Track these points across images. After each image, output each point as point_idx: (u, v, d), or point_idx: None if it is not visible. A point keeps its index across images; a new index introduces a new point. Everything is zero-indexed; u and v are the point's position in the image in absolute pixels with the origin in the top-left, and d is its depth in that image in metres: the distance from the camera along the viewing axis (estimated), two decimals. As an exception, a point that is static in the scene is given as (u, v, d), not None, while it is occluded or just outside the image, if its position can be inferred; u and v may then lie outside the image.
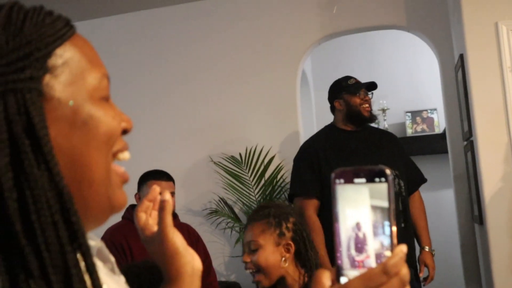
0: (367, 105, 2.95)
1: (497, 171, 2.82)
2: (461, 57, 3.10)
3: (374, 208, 0.62)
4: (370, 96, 3.02)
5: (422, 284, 2.98)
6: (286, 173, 3.59)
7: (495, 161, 2.82)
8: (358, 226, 0.63)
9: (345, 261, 0.62)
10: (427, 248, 3.00)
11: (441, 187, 3.42)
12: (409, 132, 4.83)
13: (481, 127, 2.88)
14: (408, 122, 4.87)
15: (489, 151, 2.85)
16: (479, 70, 2.91)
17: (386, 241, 0.62)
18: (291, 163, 3.16)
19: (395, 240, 0.61)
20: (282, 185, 3.63)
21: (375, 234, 0.62)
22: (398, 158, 2.99)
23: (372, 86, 3.02)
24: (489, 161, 2.84)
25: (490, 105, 2.86)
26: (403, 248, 0.61)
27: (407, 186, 2.98)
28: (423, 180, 3.15)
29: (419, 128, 4.83)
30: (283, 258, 1.73)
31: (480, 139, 2.88)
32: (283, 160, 3.66)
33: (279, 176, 3.64)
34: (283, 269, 1.73)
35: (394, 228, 0.61)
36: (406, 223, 2.92)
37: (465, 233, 3.43)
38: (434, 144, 4.42)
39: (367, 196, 0.62)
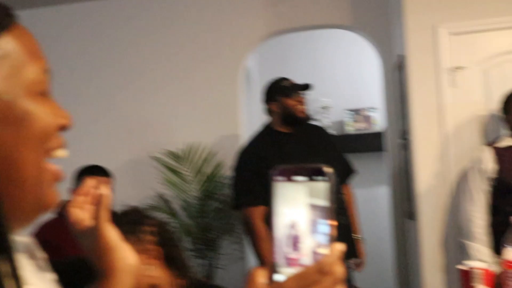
0: (302, 106, 2.93)
1: (430, 169, 2.91)
2: (401, 58, 3.17)
3: (313, 206, 0.61)
4: (305, 97, 2.99)
5: (354, 269, 3.04)
6: (226, 170, 3.58)
7: (429, 159, 2.91)
8: (294, 224, 0.62)
9: (280, 259, 0.62)
10: (358, 236, 3.07)
11: (377, 184, 3.51)
12: (349, 129, 4.92)
13: (417, 126, 2.96)
14: (348, 120, 4.95)
15: (423, 149, 2.93)
16: (418, 71, 2.99)
17: (323, 239, 0.61)
18: (232, 160, 3.13)
19: (332, 239, 0.61)
20: (222, 181, 3.62)
21: (312, 232, 0.61)
22: (332, 153, 3.03)
23: (307, 87, 3.01)
24: (423, 159, 2.93)
25: (426, 106, 2.95)
26: (340, 247, 0.60)
27: (340, 179, 3.03)
28: (353, 172, 3.19)
29: (358, 126, 4.92)
30: (149, 266, 1.51)
31: (415, 138, 2.96)
32: (224, 156, 3.65)
33: (218, 173, 3.63)
34: (150, 278, 1.51)
35: (333, 226, 0.61)
36: (347, 219, 2.97)
37: (397, 228, 3.52)
38: (373, 142, 4.52)
39: (306, 194, 0.62)
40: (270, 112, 3.01)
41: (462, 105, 2.91)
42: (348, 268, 2.97)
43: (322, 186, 0.61)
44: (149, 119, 3.91)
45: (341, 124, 4.94)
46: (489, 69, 2.93)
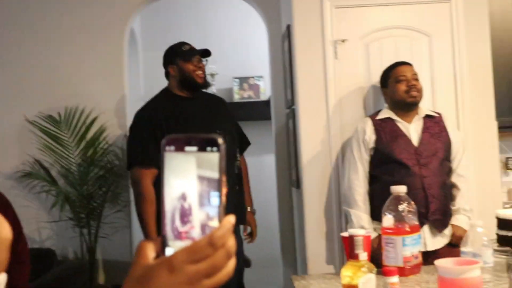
0: (200, 72, 2.96)
1: (315, 138, 3.00)
2: (288, 28, 3.21)
3: (204, 177, 0.59)
4: (204, 62, 3.02)
5: (246, 241, 3.11)
6: (110, 135, 3.46)
7: (314, 129, 3.00)
8: (184, 196, 0.60)
9: (169, 232, 0.60)
10: (249, 208, 3.15)
11: (264, 153, 3.57)
12: (236, 97, 4.94)
13: (303, 96, 3.03)
14: (235, 88, 4.97)
15: (309, 119, 3.01)
16: (304, 42, 3.04)
17: (213, 212, 0.60)
18: (115, 124, 3.04)
19: (223, 211, 0.60)
20: (105, 147, 3.50)
21: (202, 204, 0.60)
22: (230, 123, 3.08)
23: (206, 53, 3.02)
24: (308, 129, 3.01)
25: (312, 77, 3.02)
26: (230, 219, 0.59)
27: (236, 150, 3.08)
28: (248, 143, 3.26)
29: (245, 94, 4.96)
30: None
31: (301, 108, 3.03)
32: (107, 121, 3.51)
33: (101, 138, 3.49)
34: None
35: (223, 199, 0.59)
36: (239, 186, 3.02)
37: (283, 196, 3.62)
38: (259, 111, 4.58)
39: (197, 165, 0.60)
40: (169, 75, 3.01)
41: (345, 77, 3.01)
42: (240, 239, 3.03)
43: (213, 157, 0.59)
44: (31, 81, 3.66)
45: (228, 92, 4.94)
46: (370, 43, 3.05)
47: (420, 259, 2.00)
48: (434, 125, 2.66)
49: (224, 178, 0.59)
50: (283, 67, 3.58)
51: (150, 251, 0.60)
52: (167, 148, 0.60)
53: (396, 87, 2.65)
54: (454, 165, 2.67)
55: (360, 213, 2.61)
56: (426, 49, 3.06)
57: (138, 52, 4.84)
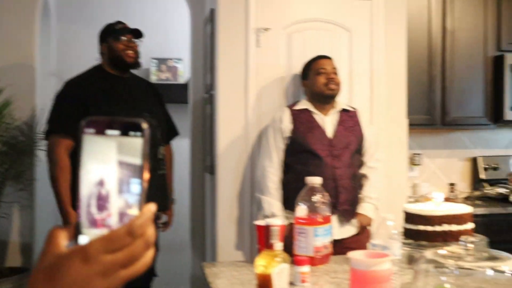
0: (131, 51, 2.94)
1: (232, 125, 2.98)
2: (212, 12, 3.16)
3: (125, 163, 0.55)
4: (137, 43, 2.99)
5: (160, 229, 3.06)
6: (16, 109, 3.25)
7: (232, 116, 2.98)
8: (102, 182, 0.56)
9: (84, 219, 0.56)
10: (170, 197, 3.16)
11: (179, 137, 3.50)
12: (154, 79, 4.80)
13: (223, 82, 2.99)
14: (153, 69, 4.84)
15: (227, 105, 2.99)
16: (227, 27, 3.00)
17: (133, 199, 0.56)
18: (23, 98, 2.88)
19: (143, 199, 0.56)
20: (9, 121, 3.28)
21: (121, 191, 0.56)
22: (160, 108, 3.09)
23: (138, 33, 3.00)
24: (226, 115, 2.98)
25: (233, 62, 2.99)
26: (151, 208, 0.55)
27: (165, 135, 3.09)
28: (176, 133, 3.27)
29: (163, 76, 4.84)
30: None
31: (220, 93, 3.00)
32: (14, 94, 3.29)
33: (5, 112, 3.28)
34: None
35: (145, 186, 0.56)
36: (163, 172, 3.00)
37: (196, 182, 3.58)
38: (176, 94, 4.48)
39: (118, 149, 0.55)
40: (101, 53, 2.99)
41: (266, 66, 3.01)
42: (158, 228, 2.97)
43: (136, 143, 0.55)
44: None
45: (145, 72, 4.80)
46: (293, 34, 3.06)
47: (330, 249, 2.04)
48: (349, 119, 2.72)
49: (146, 165, 0.55)
50: (204, 51, 3.52)
51: (62, 239, 0.55)
52: (86, 130, 0.56)
53: (315, 79, 2.69)
54: (366, 158, 2.76)
55: (272, 200, 2.63)
56: (346, 44, 3.12)
57: (51, 25, 4.59)
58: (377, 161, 2.80)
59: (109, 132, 0.55)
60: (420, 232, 1.93)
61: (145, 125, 0.55)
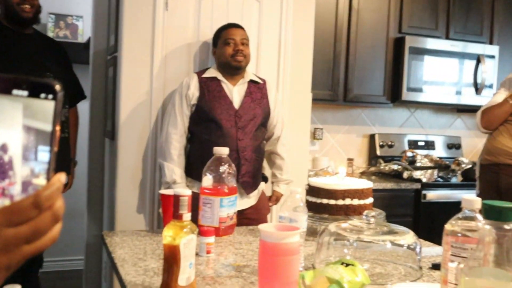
0: (27, 6, 2.77)
1: (136, 90, 2.86)
2: (118, -32, 2.99)
3: (32, 128, 0.49)
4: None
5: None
6: None
7: (136, 80, 2.86)
8: (4, 147, 0.49)
9: None
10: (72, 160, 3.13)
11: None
12: (50, 35, 4.52)
13: (128, 44, 2.85)
14: (50, 25, 4.54)
15: (132, 69, 2.86)
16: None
17: (40, 168, 0.50)
18: None
19: (52, 168, 0.50)
20: None
21: (27, 158, 0.49)
22: (65, 68, 2.98)
23: None
24: (130, 79, 2.86)
25: (139, 25, 2.85)
26: (61, 178, 0.49)
27: (68, 98, 3.00)
28: (83, 97, 3.20)
29: (61, 34, 4.56)
30: None
31: (124, 56, 2.86)
32: None
33: None
34: None
35: (53, 154, 0.50)
36: (65, 134, 2.92)
37: (94, 146, 3.43)
38: (76, 53, 4.24)
39: (25, 112, 0.48)
40: None
41: (174, 31, 2.91)
42: None
43: (46, 106, 0.49)
44: None
45: (42, 28, 4.49)
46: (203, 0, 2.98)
47: (234, 220, 2.04)
48: (257, 90, 2.71)
49: (58, 132, 0.49)
50: (108, 11, 3.34)
51: None
52: None
53: (223, 49, 2.64)
54: (276, 133, 2.78)
55: (174, 167, 2.58)
56: (256, 14, 3.08)
57: None
58: (286, 138, 2.85)
59: (16, 92, 0.48)
60: (323, 205, 1.97)
61: (58, 87, 0.49)
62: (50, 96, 0.49)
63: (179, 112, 2.62)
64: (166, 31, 2.90)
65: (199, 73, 2.68)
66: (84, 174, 3.51)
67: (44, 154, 0.50)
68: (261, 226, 1.26)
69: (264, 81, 2.77)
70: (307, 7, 3.23)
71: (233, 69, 2.64)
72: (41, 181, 0.50)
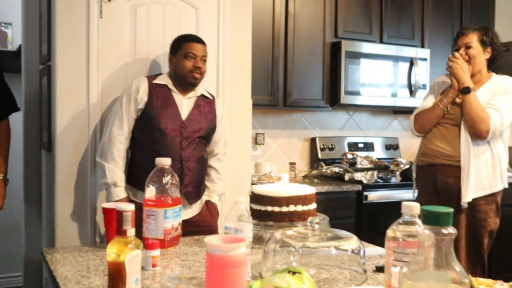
0: None
1: (72, 99, 2.79)
2: (49, -25, 2.90)
3: None
4: None
5: None
6: None
7: (72, 89, 2.79)
8: None
9: None
10: (1, 176, 2.97)
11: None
12: (-21, 44, 4.33)
13: (61, 54, 2.78)
14: (-23, 33, 4.35)
15: (67, 79, 2.78)
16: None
17: None
18: None
19: None
20: None
21: None
22: None
23: None
24: (65, 89, 2.78)
25: (73, 33, 2.78)
26: None
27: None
28: (16, 109, 3.07)
29: (-10, 42, 4.38)
30: None
31: (58, 66, 2.78)
32: None
33: None
34: None
35: None
36: None
37: (30, 160, 3.30)
38: (6, 62, 4.08)
39: None
40: None
41: (110, 39, 2.85)
42: None
43: None
44: None
45: (-32, 36, 4.30)
46: (138, 7, 2.93)
47: (179, 231, 2.02)
48: (206, 105, 2.68)
49: None
50: (39, 18, 3.22)
51: None
52: None
53: (182, 62, 2.58)
54: (217, 149, 2.76)
55: (115, 168, 2.51)
56: (193, 21, 3.07)
57: None
58: (225, 155, 2.83)
59: None
60: (268, 212, 1.98)
61: None
62: None
63: (126, 113, 2.55)
64: (101, 39, 2.84)
65: (150, 78, 2.63)
66: (20, 187, 3.38)
67: None
68: (207, 239, 1.25)
69: (213, 97, 2.76)
70: (244, 13, 3.24)
71: (187, 84, 2.60)
72: None
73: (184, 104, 2.61)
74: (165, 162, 1.99)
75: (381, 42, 4.29)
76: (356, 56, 4.08)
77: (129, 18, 2.91)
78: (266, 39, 3.85)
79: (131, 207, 1.30)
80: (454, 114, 2.99)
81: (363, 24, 4.22)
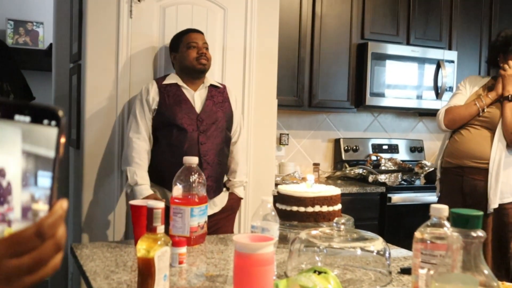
0: None
1: (100, 97, 2.84)
2: (81, -25, 2.95)
3: (32, 153, 0.48)
4: None
5: None
6: None
7: (100, 88, 2.84)
8: (4, 172, 0.48)
9: None
10: None
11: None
12: (10, 42, 4.43)
13: (92, 52, 2.83)
14: (9, 31, 4.45)
15: (96, 77, 2.84)
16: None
17: (40, 194, 0.49)
18: None
19: (55, 194, 0.49)
20: None
21: (27, 184, 0.49)
22: (17, 75, 2.80)
23: None
24: (94, 87, 2.83)
25: (103, 33, 2.83)
26: (63, 205, 0.49)
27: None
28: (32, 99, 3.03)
29: (21, 40, 4.47)
30: None
31: (89, 65, 2.83)
32: None
33: None
34: None
35: (56, 180, 0.49)
36: None
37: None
38: (37, 60, 4.17)
39: (25, 137, 0.48)
40: None
41: (139, 39, 2.90)
42: None
43: (49, 133, 0.49)
44: None
45: (1, 34, 4.40)
46: (167, 7, 2.97)
47: (205, 229, 2.04)
48: (218, 94, 2.72)
49: (59, 157, 0.49)
50: (70, 17, 3.29)
51: None
52: None
53: (186, 53, 2.64)
54: (234, 137, 2.78)
55: (135, 169, 2.54)
56: (221, 21, 3.10)
57: None
58: (245, 142, 2.85)
59: (18, 117, 0.48)
60: (293, 212, 1.99)
61: (61, 113, 0.49)
62: (54, 122, 0.49)
63: (141, 117, 2.60)
64: (130, 39, 2.88)
65: (159, 80, 2.68)
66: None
67: (45, 180, 0.49)
68: (236, 237, 1.27)
69: (224, 86, 2.79)
70: (271, 13, 3.26)
71: (197, 72, 2.64)
72: (41, 206, 0.49)
73: (196, 97, 2.65)
74: (192, 161, 2.02)
75: (408, 43, 4.27)
76: (382, 57, 4.07)
77: (158, 18, 2.95)
78: (293, 39, 3.86)
79: (161, 204, 1.33)
80: (489, 117, 2.95)
81: (390, 26, 4.20)
